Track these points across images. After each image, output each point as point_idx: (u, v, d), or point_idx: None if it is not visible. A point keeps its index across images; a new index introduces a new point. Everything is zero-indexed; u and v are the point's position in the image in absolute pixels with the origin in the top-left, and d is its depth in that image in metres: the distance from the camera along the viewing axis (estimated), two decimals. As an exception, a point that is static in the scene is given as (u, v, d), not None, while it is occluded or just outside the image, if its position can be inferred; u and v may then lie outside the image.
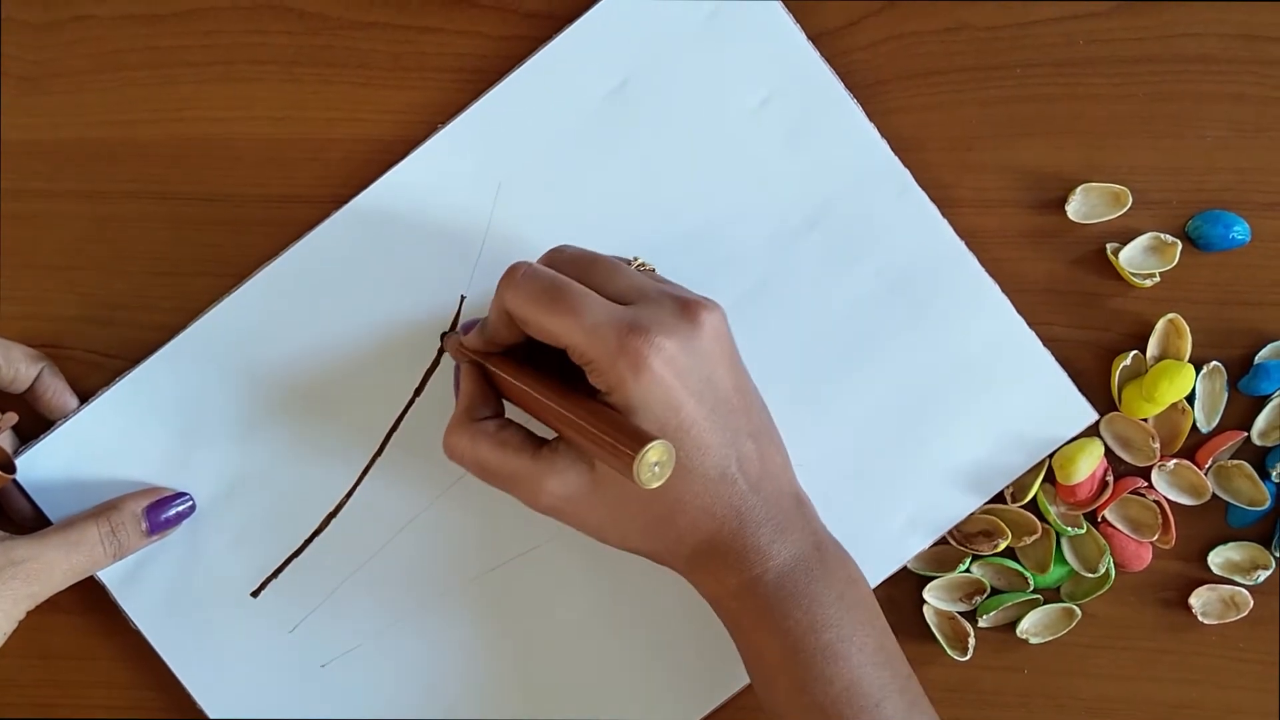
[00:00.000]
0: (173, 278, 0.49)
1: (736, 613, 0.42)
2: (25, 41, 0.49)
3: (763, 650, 0.42)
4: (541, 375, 0.42)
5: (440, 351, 0.48)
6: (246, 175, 0.49)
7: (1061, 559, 0.48)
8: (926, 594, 0.49)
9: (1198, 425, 0.48)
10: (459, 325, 0.47)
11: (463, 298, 0.47)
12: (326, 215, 0.48)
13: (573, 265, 0.41)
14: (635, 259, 0.44)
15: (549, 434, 0.43)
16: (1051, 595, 0.49)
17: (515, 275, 0.40)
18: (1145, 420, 0.48)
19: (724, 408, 0.40)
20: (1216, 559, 0.48)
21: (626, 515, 0.42)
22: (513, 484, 0.42)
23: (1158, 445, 0.47)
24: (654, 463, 0.37)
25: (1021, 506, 0.48)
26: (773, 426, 0.43)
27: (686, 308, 0.40)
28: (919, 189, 0.47)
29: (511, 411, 0.44)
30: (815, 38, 0.47)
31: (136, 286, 0.49)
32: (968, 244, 0.48)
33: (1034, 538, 0.48)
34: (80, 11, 0.49)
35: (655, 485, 0.37)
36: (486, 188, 0.48)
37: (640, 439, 0.37)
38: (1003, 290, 0.48)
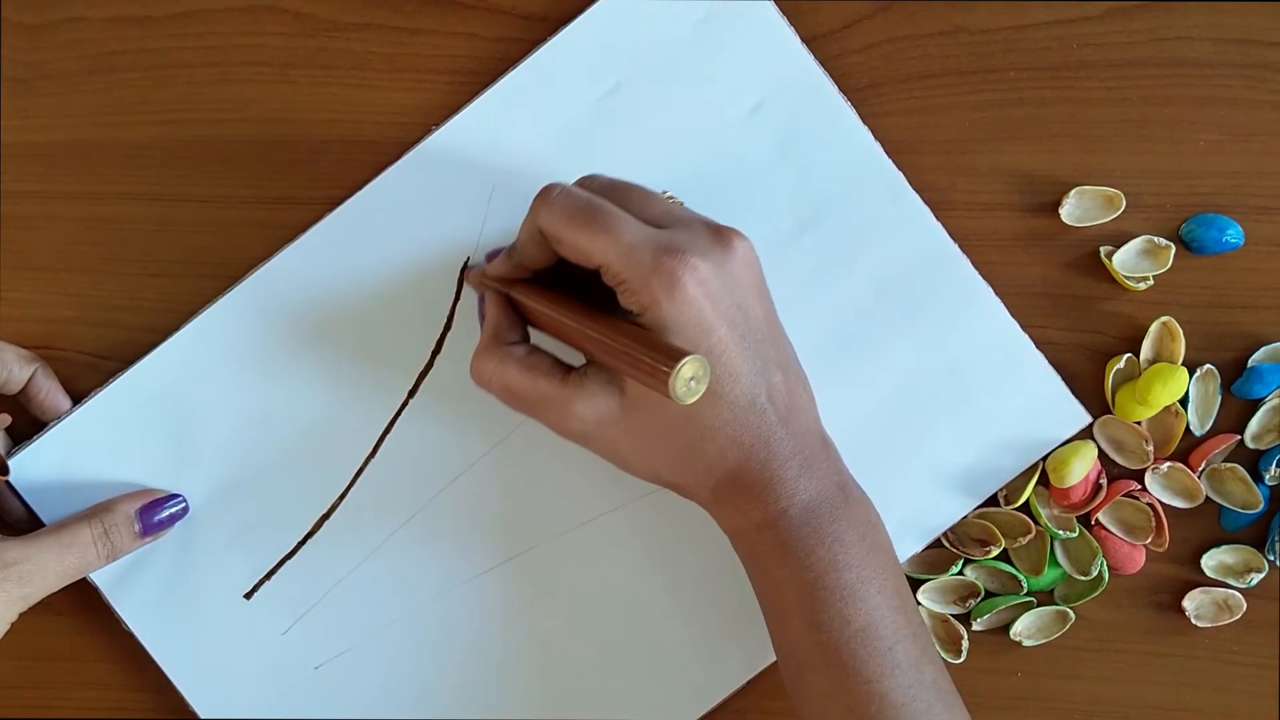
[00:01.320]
0: (166, 279, 0.49)
1: (757, 546, 0.42)
2: (18, 43, 0.49)
3: (781, 586, 0.41)
4: (570, 299, 0.41)
5: (455, 298, 0.47)
6: (240, 177, 0.49)
7: (1054, 562, 0.48)
8: (920, 596, 0.49)
9: (1191, 428, 0.48)
10: (488, 253, 0.46)
11: (468, 259, 0.47)
12: (320, 217, 0.48)
13: (606, 190, 0.42)
14: (664, 192, 0.44)
15: (577, 361, 0.43)
16: (1045, 598, 0.49)
17: (550, 194, 0.40)
18: (1139, 423, 0.48)
19: (754, 336, 0.40)
20: (1210, 562, 0.48)
21: (655, 442, 0.41)
22: (541, 409, 0.42)
23: (1151, 448, 0.47)
24: (689, 378, 0.36)
25: (1014, 509, 0.48)
26: (800, 364, 0.43)
27: (720, 233, 0.40)
28: (913, 192, 0.47)
29: (538, 340, 0.44)
30: (809, 41, 0.47)
31: (130, 288, 0.49)
32: (961, 247, 0.48)
33: (1028, 538, 0.48)
34: (73, 13, 0.49)
35: (690, 401, 0.37)
36: (480, 190, 0.48)
37: (675, 354, 0.36)
38: (996, 293, 0.48)
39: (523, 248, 0.42)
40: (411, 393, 0.48)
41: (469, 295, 0.48)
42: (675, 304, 0.38)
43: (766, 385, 0.41)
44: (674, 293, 0.38)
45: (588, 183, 0.42)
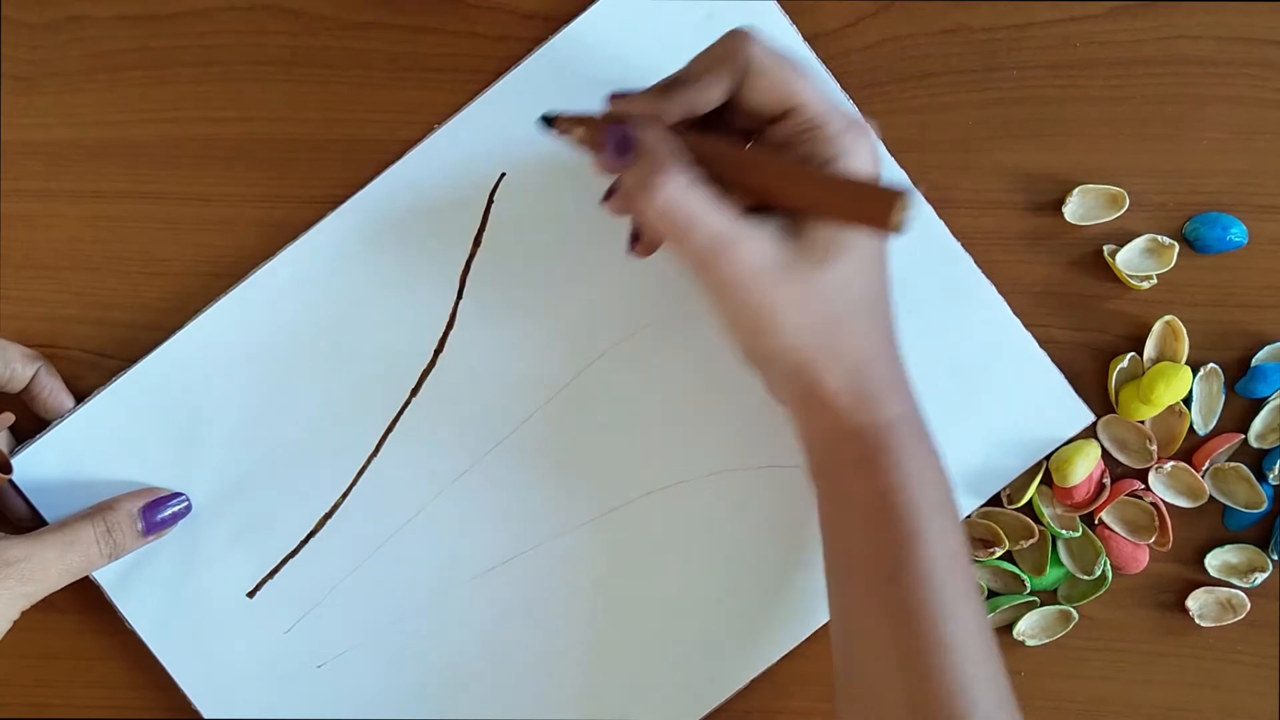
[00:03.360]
0: (168, 278, 0.49)
1: (861, 451, 0.41)
2: (21, 41, 0.49)
3: (887, 493, 0.40)
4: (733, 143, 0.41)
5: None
6: (242, 176, 0.49)
7: (1058, 561, 0.48)
8: (923, 596, 0.48)
9: (1195, 427, 0.48)
10: (613, 94, 0.42)
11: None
12: (323, 216, 0.48)
13: None
14: None
15: None
16: (1048, 598, 0.49)
17: (754, 33, 0.40)
18: (1142, 422, 0.48)
19: None
20: (1213, 561, 0.48)
21: (803, 306, 0.40)
22: (711, 244, 0.39)
23: (1155, 447, 0.47)
24: (905, 210, 0.36)
25: (1017, 509, 0.48)
26: None
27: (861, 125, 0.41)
28: (914, 189, 0.47)
29: None
30: (812, 39, 0.47)
31: (132, 286, 0.49)
32: (964, 246, 0.48)
33: (1030, 542, 0.48)
34: (76, 12, 0.49)
35: (900, 231, 0.36)
36: (483, 188, 0.48)
37: (893, 188, 0.36)
38: (999, 292, 0.48)
39: (696, 83, 0.40)
40: (414, 391, 0.48)
41: (471, 293, 0.48)
42: (866, 158, 0.40)
43: (889, 295, 0.42)
44: (864, 147, 0.40)
45: None
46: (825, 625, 0.48)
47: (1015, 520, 0.48)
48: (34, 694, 0.50)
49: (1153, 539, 0.48)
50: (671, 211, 0.38)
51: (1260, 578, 0.48)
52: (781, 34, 0.47)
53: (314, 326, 0.48)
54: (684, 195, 0.38)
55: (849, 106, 0.42)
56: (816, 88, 0.40)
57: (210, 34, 0.48)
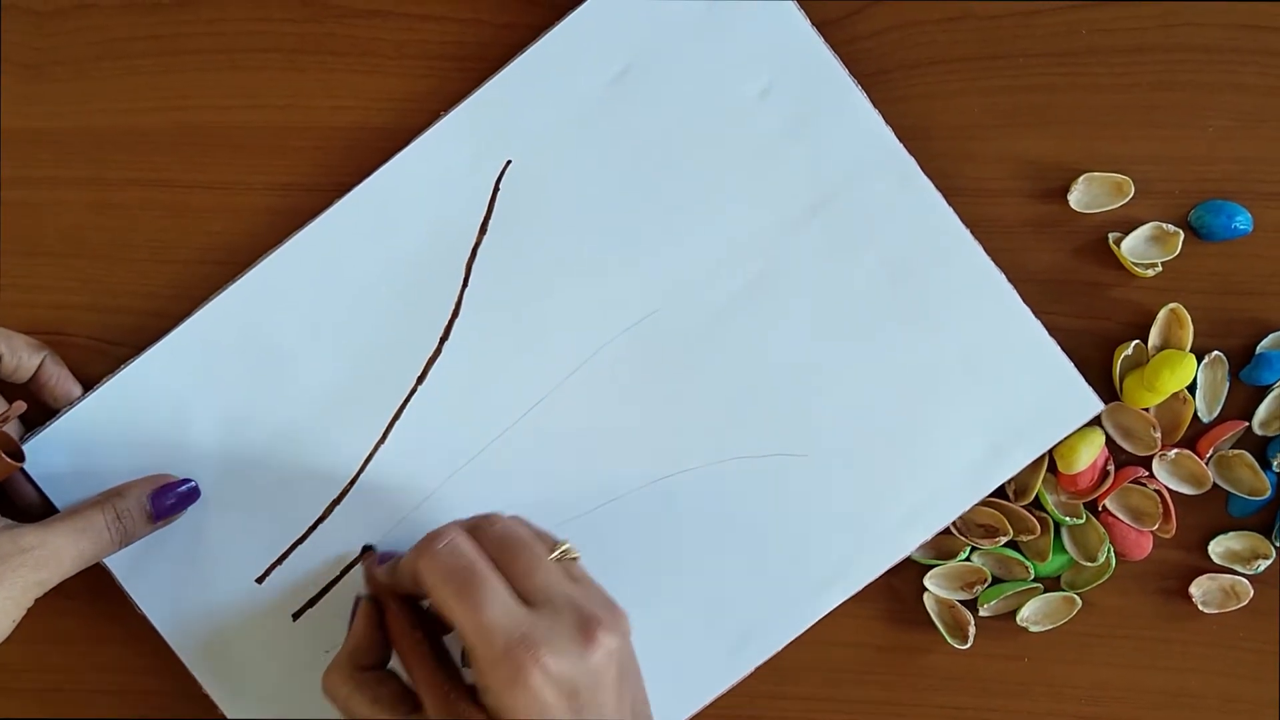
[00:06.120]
0: (176, 265, 0.49)
1: None
2: (28, 29, 0.49)
3: None
4: (432, 640, 0.42)
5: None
6: (249, 163, 0.49)
7: (1061, 548, 0.49)
8: (927, 582, 0.49)
9: (1199, 415, 0.48)
10: (380, 554, 0.46)
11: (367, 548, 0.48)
12: (329, 203, 0.48)
13: (497, 546, 0.41)
14: (564, 543, 0.43)
15: None
16: (1052, 584, 0.49)
17: (436, 544, 0.40)
18: (1146, 410, 0.48)
19: None
20: (1217, 548, 0.49)
21: None
22: None
23: (1159, 435, 0.48)
24: None
25: (1023, 506, 0.48)
26: None
27: (586, 626, 0.39)
28: (924, 177, 0.47)
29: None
30: (818, 26, 0.47)
31: (139, 274, 0.49)
32: (970, 233, 0.48)
33: (1033, 538, 0.48)
34: (83, 0, 0.49)
35: None
36: (489, 175, 0.48)
37: None
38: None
39: (401, 575, 0.42)
40: (420, 379, 0.48)
41: (477, 281, 0.48)
42: (513, 696, 0.38)
43: None
44: (514, 686, 0.38)
45: (486, 527, 0.42)
46: (829, 613, 0.48)
47: (1019, 514, 0.48)
48: (46, 678, 0.50)
49: (1156, 526, 0.48)
50: (333, 701, 0.43)
51: (1263, 564, 0.48)
52: (789, 19, 0.47)
53: (320, 314, 0.48)
54: (347, 696, 0.42)
55: (506, 629, 0.38)
56: (477, 616, 0.38)
57: (218, 22, 0.48)
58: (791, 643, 0.48)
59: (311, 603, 0.48)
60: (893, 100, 0.48)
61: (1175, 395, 0.48)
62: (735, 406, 0.48)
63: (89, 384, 0.48)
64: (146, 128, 0.49)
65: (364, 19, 0.49)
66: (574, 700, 0.38)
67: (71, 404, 0.47)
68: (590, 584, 0.42)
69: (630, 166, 0.48)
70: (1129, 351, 0.48)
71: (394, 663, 0.44)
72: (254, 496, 0.48)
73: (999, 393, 0.48)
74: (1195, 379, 0.48)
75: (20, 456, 0.46)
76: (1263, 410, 0.48)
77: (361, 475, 0.48)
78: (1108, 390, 0.48)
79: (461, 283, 0.48)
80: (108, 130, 0.49)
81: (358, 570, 0.48)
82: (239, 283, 0.48)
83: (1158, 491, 0.48)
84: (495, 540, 0.41)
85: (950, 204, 0.48)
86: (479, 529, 0.42)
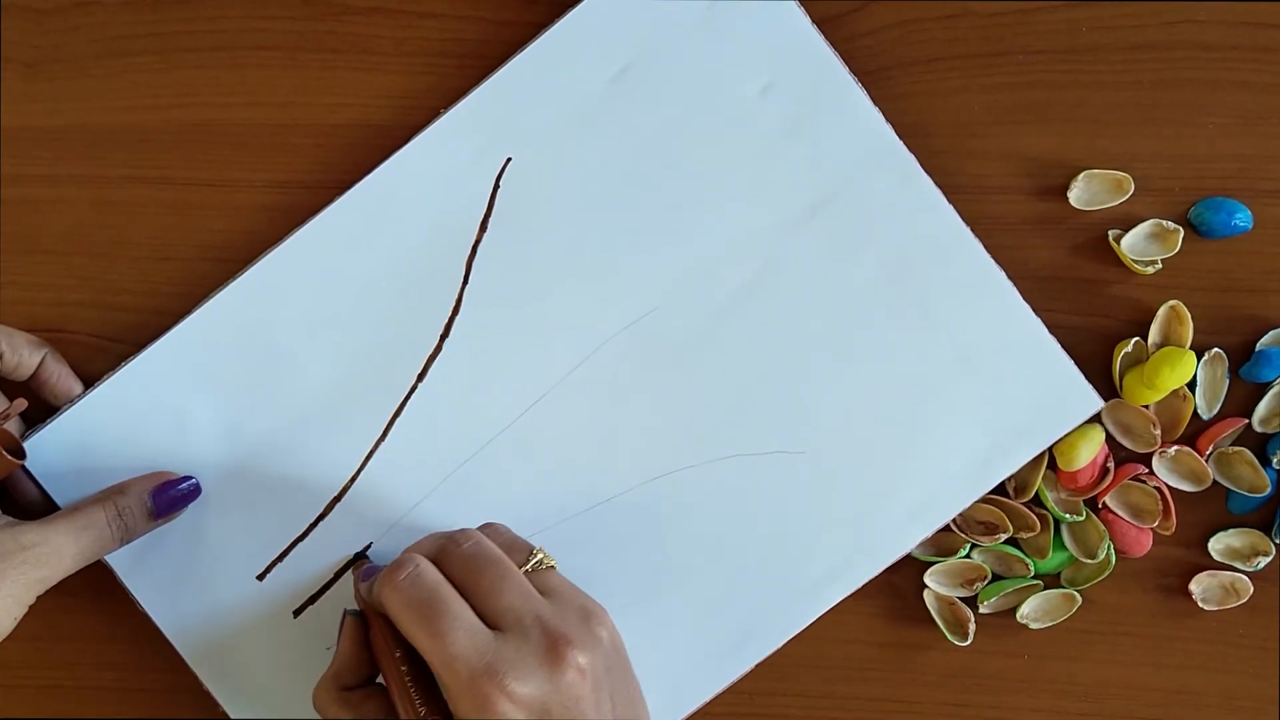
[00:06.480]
0: (176, 263, 0.49)
1: None
2: (28, 27, 0.49)
3: None
4: (413, 657, 0.42)
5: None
6: (249, 161, 0.49)
7: (1061, 545, 0.49)
8: (927, 579, 0.49)
9: (1199, 412, 0.48)
10: (365, 568, 0.45)
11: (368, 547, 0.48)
12: (329, 201, 0.48)
13: (463, 566, 0.41)
14: (537, 550, 0.43)
15: None
16: (1052, 581, 0.49)
17: (398, 576, 0.40)
18: (1146, 407, 0.48)
19: None
20: (1217, 545, 0.49)
21: None
22: None
23: (1159, 432, 0.48)
24: None
25: (1024, 503, 0.48)
26: None
27: (554, 647, 0.39)
28: (924, 174, 0.47)
29: None
30: (818, 24, 0.47)
31: (140, 272, 0.49)
32: (970, 230, 0.48)
33: (1033, 535, 0.48)
34: (83, -3, 0.49)
35: None
36: (489, 172, 0.48)
37: None
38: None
39: (375, 599, 0.42)
40: (420, 377, 0.48)
41: (477, 279, 0.48)
42: None
43: None
44: (483, 715, 0.38)
45: (451, 548, 0.42)
46: (828, 610, 0.48)
47: (1019, 511, 0.48)
48: (47, 676, 0.50)
49: (1156, 523, 0.48)
50: (316, 708, 0.43)
51: (1263, 562, 0.48)
52: (789, 17, 0.47)
53: (321, 312, 0.48)
54: (332, 712, 0.43)
55: (468, 663, 0.38)
56: (442, 646, 0.38)
57: (217, 19, 0.48)
58: (791, 640, 0.48)
59: (312, 600, 0.48)
60: (893, 98, 0.48)
61: (1175, 392, 0.48)
62: (735, 404, 0.48)
63: (90, 381, 0.48)
64: (147, 125, 0.49)
65: (364, 16, 0.49)
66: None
67: (72, 401, 0.47)
68: (565, 595, 0.42)
69: (630, 164, 0.48)
70: (1129, 349, 0.48)
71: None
72: (255, 494, 0.48)
73: (999, 390, 0.48)
74: (1195, 376, 0.48)
75: (21, 454, 0.46)
76: (1262, 407, 0.48)
77: (362, 472, 0.48)
78: (1108, 387, 0.48)
79: (462, 280, 0.48)
80: (108, 128, 0.49)
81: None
82: (239, 280, 0.48)
83: (1158, 488, 0.48)
84: (462, 561, 0.41)
85: (950, 201, 0.48)
86: (444, 551, 0.42)
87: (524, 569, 0.42)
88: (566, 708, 0.39)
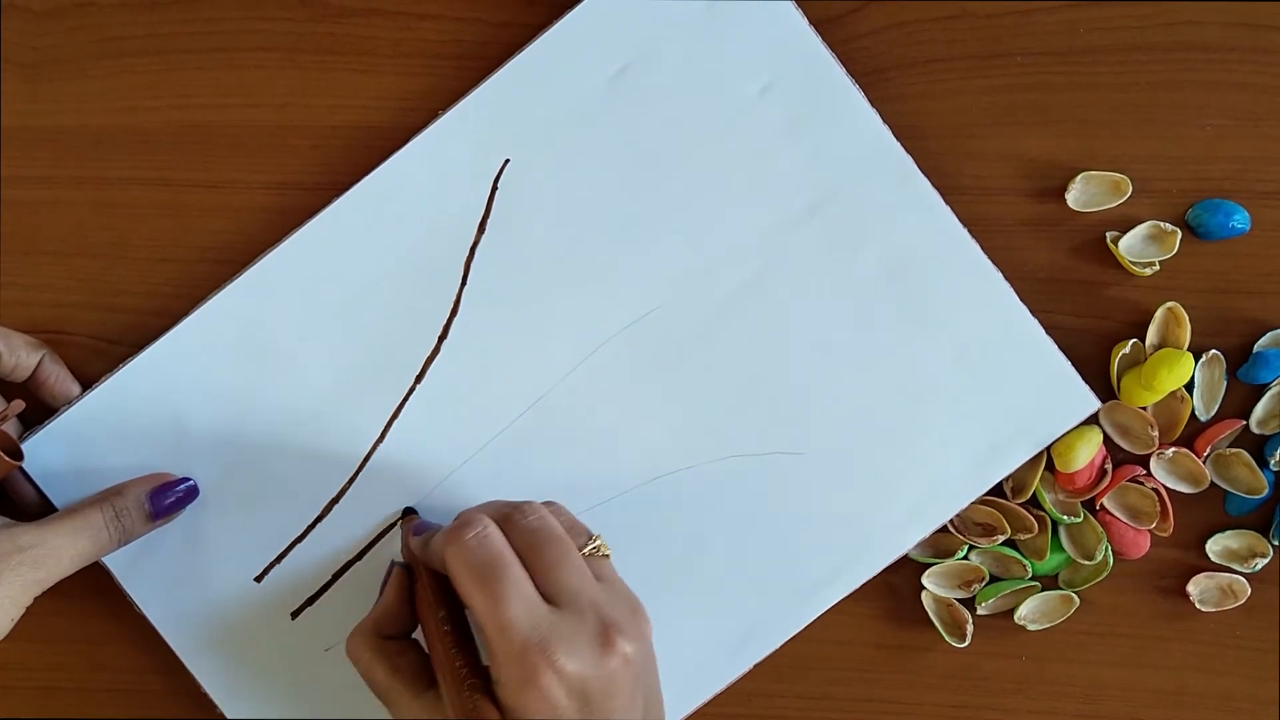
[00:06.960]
0: (174, 264, 0.49)
1: None
2: (27, 28, 0.49)
3: None
4: (456, 616, 0.42)
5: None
6: (248, 162, 0.49)
7: (1059, 547, 0.49)
8: (925, 580, 0.49)
9: (1196, 413, 0.48)
10: (416, 523, 0.46)
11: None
12: (327, 202, 0.48)
13: (526, 538, 0.41)
14: (596, 538, 0.43)
15: None
16: (1050, 582, 0.49)
17: (464, 535, 0.40)
18: (1144, 408, 0.48)
19: None
20: (1214, 547, 0.49)
21: None
22: (391, 706, 0.42)
23: (1156, 433, 0.48)
24: None
25: (1021, 504, 0.48)
26: None
27: (606, 633, 0.39)
28: (921, 176, 0.47)
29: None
30: (816, 25, 0.47)
31: (138, 273, 0.49)
32: (968, 232, 0.48)
33: (1030, 536, 0.48)
34: (82, -2, 0.49)
35: None
36: (487, 174, 0.48)
37: None
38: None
39: (432, 554, 0.42)
40: (419, 377, 0.48)
41: (475, 280, 0.48)
42: (525, 696, 0.38)
43: None
44: (527, 687, 0.37)
45: (518, 518, 0.41)
46: (826, 611, 0.48)
47: (1017, 512, 0.48)
48: (44, 677, 0.50)
49: (1154, 524, 0.48)
50: (355, 664, 0.43)
51: (1261, 563, 0.48)
52: (788, 18, 0.47)
53: (319, 313, 0.48)
54: (367, 660, 0.43)
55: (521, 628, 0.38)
56: (498, 611, 0.38)
57: (216, 20, 0.49)
58: (789, 640, 0.48)
59: (310, 601, 0.48)
60: (890, 99, 0.48)
61: (1173, 394, 0.48)
62: (734, 404, 0.48)
63: (88, 383, 0.48)
64: (145, 126, 0.49)
65: (362, 18, 0.49)
66: (585, 704, 0.38)
67: (70, 403, 0.47)
68: (617, 585, 0.42)
69: (629, 165, 0.48)
70: (1127, 350, 0.48)
71: (419, 632, 0.44)
72: (253, 495, 0.48)
73: (997, 391, 0.48)
74: (1193, 378, 0.48)
75: (19, 455, 0.46)
76: (1260, 409, 0.48)
77: (360, 474, 0.48)
78: (1105, 389, 0.48)
79: (460, 281, 0.48)
80: (106, 129, 0.49)
81: (356, 570, 0.48)
82: (238, 281, 0.48)
83: (1155, 490, 0.48)
84: (526, 533, 0.41)
85: (948, 203, 0.48)
86: (510, 520, 0.42)
87: (582, 552, 0.42)
88: (606, 693, 0.39)
